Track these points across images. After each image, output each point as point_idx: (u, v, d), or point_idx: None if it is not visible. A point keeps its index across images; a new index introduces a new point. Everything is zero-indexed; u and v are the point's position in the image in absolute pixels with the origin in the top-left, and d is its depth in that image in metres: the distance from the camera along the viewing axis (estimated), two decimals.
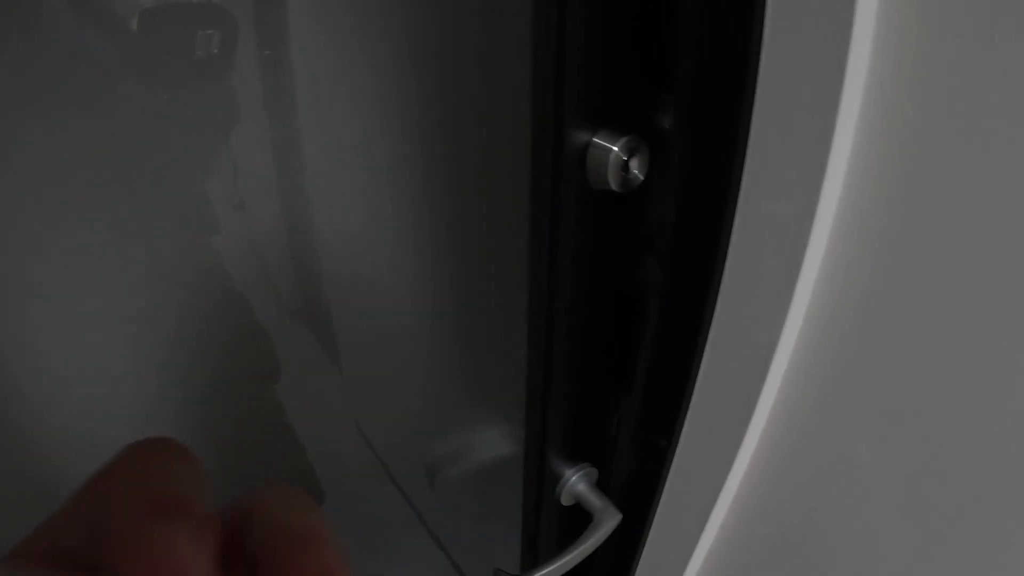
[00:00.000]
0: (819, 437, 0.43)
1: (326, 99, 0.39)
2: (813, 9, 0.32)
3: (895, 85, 0.32)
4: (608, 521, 0.54)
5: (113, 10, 0.31)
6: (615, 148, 0.40)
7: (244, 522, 0.18)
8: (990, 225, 0.30)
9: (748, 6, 0.34)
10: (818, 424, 0.42)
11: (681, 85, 0.39)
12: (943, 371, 0.34)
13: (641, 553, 0.60)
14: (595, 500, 0.56)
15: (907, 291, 0.34)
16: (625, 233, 0.47)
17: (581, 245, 0.45)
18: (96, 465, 0.16)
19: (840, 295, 0.38)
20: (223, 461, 0.47)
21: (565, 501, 0.58)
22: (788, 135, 0.35)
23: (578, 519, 0.58)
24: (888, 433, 0.38)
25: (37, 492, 0.39)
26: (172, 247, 0.38)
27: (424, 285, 0.50)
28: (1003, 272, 0.30)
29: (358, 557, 0.61)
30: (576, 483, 0.57)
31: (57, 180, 0.33)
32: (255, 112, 0.37)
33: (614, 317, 0.52)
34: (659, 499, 0.55)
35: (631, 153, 0.41)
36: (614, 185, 0.41)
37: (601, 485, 0.60)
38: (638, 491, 0.57)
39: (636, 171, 0.42)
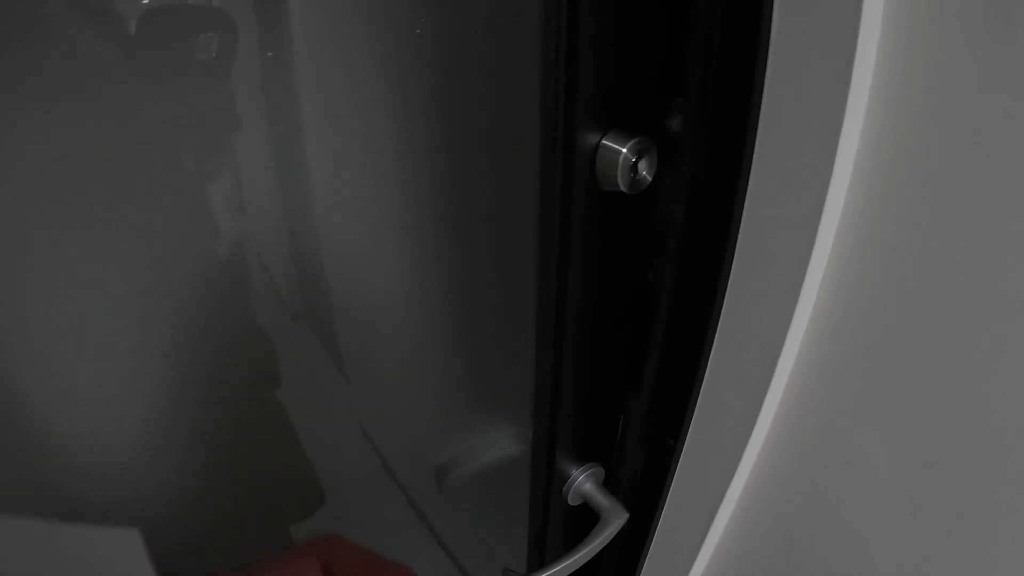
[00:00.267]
0: (825, 436, 0.43)
1: (329, 102, 0.40)
2: (820, 14, 0.32)
3: (901, 88, 0.32)
4: (615, 520, 0.55)
5: (112, 12, 0.31)
6: (624, 150, 0.40)
7: None
8: (995, 226, 0.30)
9: (756, 10, 0.34)
10: (824, 423, 0.43)
11: (690, 87, 0.40)
12: (950, 370, 0.34)
13: (648, 552, 0.60)
14: (602, 499, 0.57)
15: (912, 291, 0.35)
16: (633, 234, 0.48)
17: (590, 245, 0.45)
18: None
19: (846, 295, 0.39)
20: (226, 464, 0.47)
21: (572, 501, 0.58)
22: (795, 137, 0.36)
23: (585, 519, 0.58)
24: (895, 432, 0.38)
25: (37, 494, 0.39)
26: (173, 251, 0.38)
27: (431, 286, 0.50)
28: (1009, 272, 0.31)
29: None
30: (583, 483, 0.58)
31: (56, 185, 0.33)
32: (257, 115, 0.37)
33: (622, 317, 0.52)
34: (666, 498, 0.55)
35: (640, 155, 0.41)
36: (623, 186, 0.42)
37: (608, 484, 0.60)
38: (645, 490, 0.57)
39: (645, 172, 0.42)
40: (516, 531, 0.66)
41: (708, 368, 0.47)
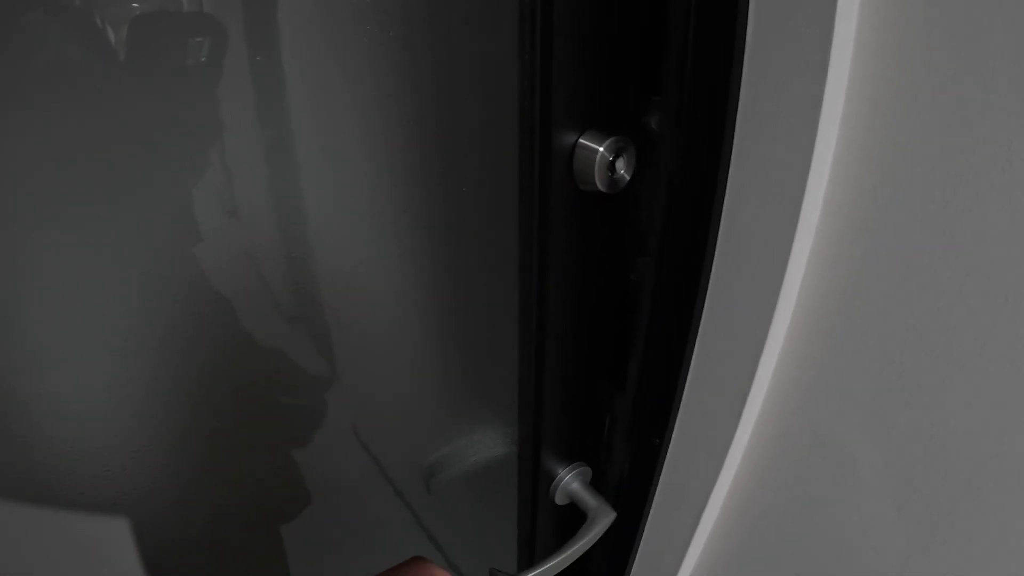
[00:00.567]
0: (809, 432, 0.43)
1: (318, 104, 0.40)
2: (796, 13, 0.32)
3: (878, 86, 0.32)
4: (602, 519, 0.55)
5: (103, 17, 0.31)
6: (601, 149, 0.40)
7: None
8: (975, 223, 0.30)
9: (732, 8, 0.34)
10: (808, 419, 0.43)
11: (667, 86, 0.39)
12: (932, 368, 0.34)
13: (637, 550, 0.60)
14: (589, 499, 0.57)
15: (893, 287, 0.35)
16: (613, 233, 0.47)
17: (569, 245, 0.45)
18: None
19: (827, 292, 0.38)
20: (220, 465, 0.47)
21: (559, 500, 0.58)
22: (773, 135, 0.35)
23: (573, 518, 0.58)
24: (878, 427, 0.38)
25: (34, 496, 0.39)
26: (166, 255, 0.38)
27: (417, 288, 0.50)
28: (990, 269, 0.30)
29: (355, 559, 0.61)
30: (570, 482, 0.58)
31: (48, 189, 0.33)
32: (247, 118, 0.37)
33: (605, 316, 0.52)
34: (653, 496, 0.55)
35: (617, 154, 0.41)
36: (601, 185, 0.41)
37: (595, 484, 0.60)
38: (632, 489, 0.57)
39: (623, 171, 0.42)
40: (506, 531, 0.66)
41: (691, 367, 0.47)
